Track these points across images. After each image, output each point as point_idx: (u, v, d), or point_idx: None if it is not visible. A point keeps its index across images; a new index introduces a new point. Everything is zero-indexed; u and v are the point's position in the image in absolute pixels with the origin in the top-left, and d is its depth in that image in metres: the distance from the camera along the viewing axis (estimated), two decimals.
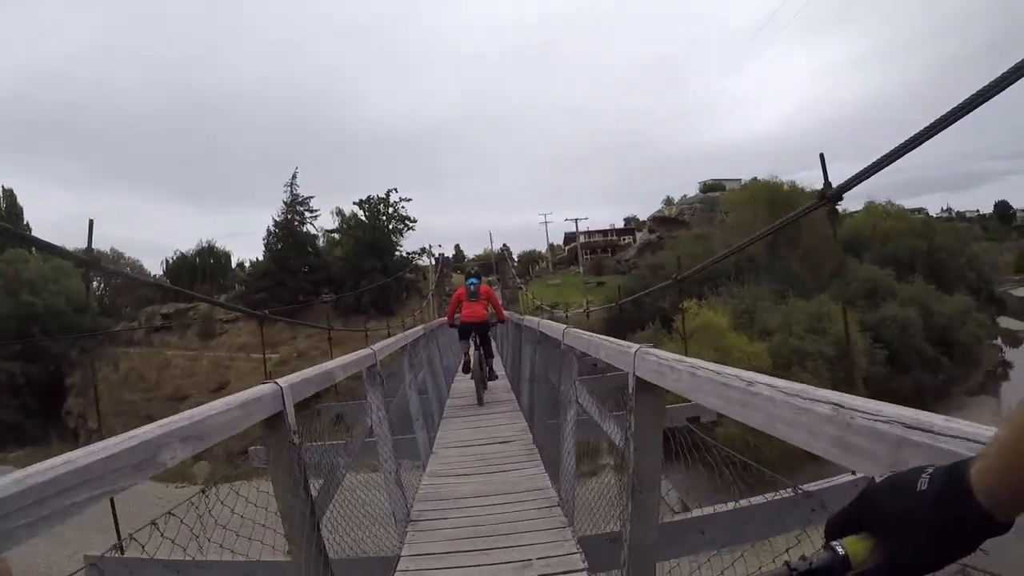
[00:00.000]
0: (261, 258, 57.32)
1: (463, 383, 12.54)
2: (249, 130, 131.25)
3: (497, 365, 12.88)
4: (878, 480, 0.84)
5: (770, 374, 1.55)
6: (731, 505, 3.37)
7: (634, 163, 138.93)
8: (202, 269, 65.95)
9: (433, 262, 59.97)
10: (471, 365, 11.15)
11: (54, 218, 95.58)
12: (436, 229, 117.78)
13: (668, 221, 64.31)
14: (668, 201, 71.27)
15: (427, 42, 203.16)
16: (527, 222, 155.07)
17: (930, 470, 0.76)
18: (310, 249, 56.71)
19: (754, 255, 40.25)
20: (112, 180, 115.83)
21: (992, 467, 0.70)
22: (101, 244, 68.64)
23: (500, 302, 13.01)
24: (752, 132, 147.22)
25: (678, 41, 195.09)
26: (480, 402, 10.91)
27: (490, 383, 11.52)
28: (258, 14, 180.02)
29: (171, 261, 68.41)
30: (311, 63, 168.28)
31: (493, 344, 12.38)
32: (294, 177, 56.86)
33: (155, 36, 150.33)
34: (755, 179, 50.05)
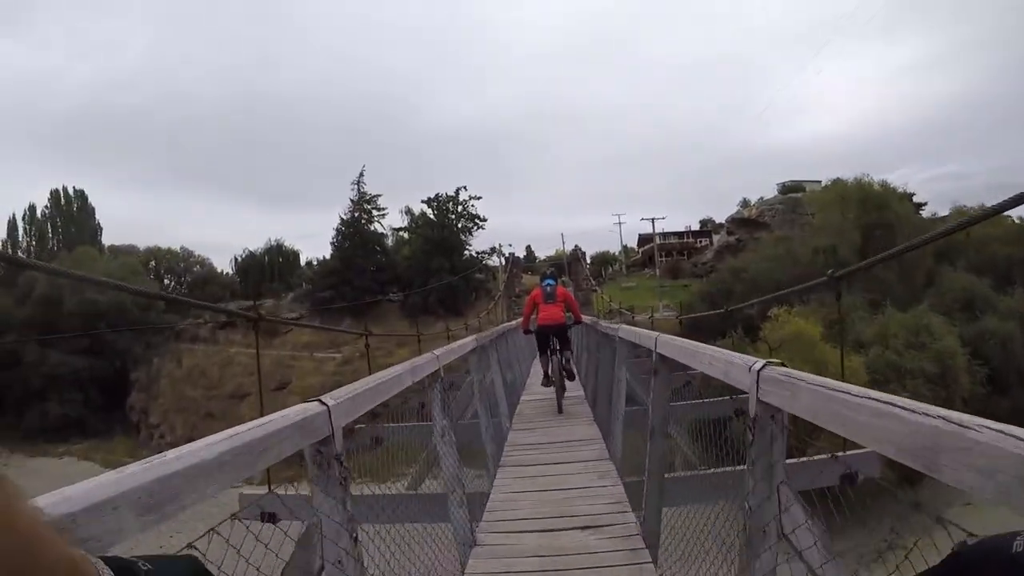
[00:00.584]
0: (328, 257, 57.32)
1: (536, 396, 12.31)
2: (317, 134, 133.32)
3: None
4: (969, 543, 0.84)
5: None
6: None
7: (707, 164, 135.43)
8: (271, 267, 67.24)
9: (503, 262, 59.22)
10: (550, 376, 11.02)
11: (127, 217, 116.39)
12: (505, 230, 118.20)
13: (747, 223, 62.65)
14: (745, 203, 69.22)
15: (492, 41, 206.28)
16: (598, 224, 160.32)
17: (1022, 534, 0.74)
18: (377, 247, 57.04)
19: (844, 259, 37.56)
20: (183, 183, 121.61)
21: None
22: (172, 243, 74.89)
23: (577, 303, 12.57)
24: (828, 133, 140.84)
25: (751, 38, 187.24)
26: (560, 409, 10.81)
27: (568, 384, 11.31)
28: (322, 19, 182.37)
29: (240, 259, 69.81)
30: (376, 66, 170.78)
31: (571, 340, 11.90)
32: (361, 175, 57.43)
33: (221, 42, 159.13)
34: (839, 179, 48.36)
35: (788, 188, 65.52)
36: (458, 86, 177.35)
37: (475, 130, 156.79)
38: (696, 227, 76.72)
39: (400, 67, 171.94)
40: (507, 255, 58.62)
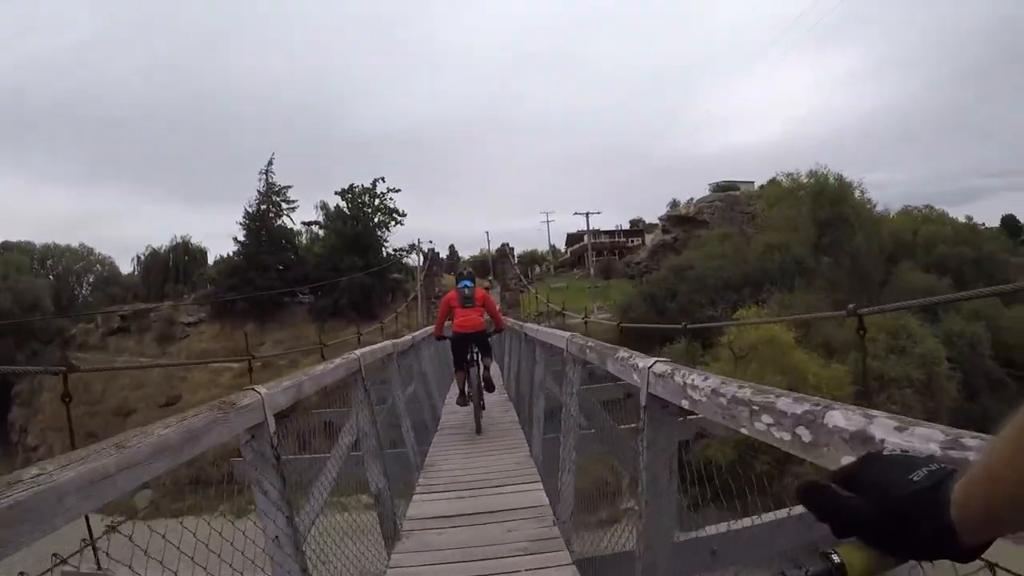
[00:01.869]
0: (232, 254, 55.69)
1: (454, 414, 11.95)
2: (246, 129, 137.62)
3: (495, 373, 12.23)
4: (885, 452, 0.93)
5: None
6: (748, 521, 3.31)
7: (637, 170, 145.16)
8: (175, 267, 66.03)
9: (421, 260, 56.88)
10: (467, 392, 10.62)
11: (46, 214, 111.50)
12: (429, 232, 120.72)
13: (684, 220, 63.35)
14: (675, 204, 70.48)
15: (431, 42, 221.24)
16: (525, 226, 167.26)
17: (934, 466, 0.82)
18: (286, 243, 55.84)
19: (800, 256, 39.38)
20: (106, 178, 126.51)
21: (970, 483, 0.75)
22: (91, 242, 76.54)
23: (498, 307, 12.51)
24: (756, 141, 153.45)
25: (682, 49, 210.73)
26: (479, 430, 10.45)
27: (488, 395, 11.16)
28: (256, 13, 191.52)
29: (143, 258, 68.57)
30: (311, 61, 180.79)
31: (491, 348, 11.54)
32: (270, 163, 55.70)
33: (152, 29, 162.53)
34: (791, 174, 48.89)
35: (722, 188, 66.88)
36: (396, 86, 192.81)
37: (406, 132, 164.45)
38: (626, 227, 78.71)
39: (330, 66, 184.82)
40: (426, 251, 55.76)
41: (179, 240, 67.59)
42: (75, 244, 73.57)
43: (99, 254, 74.56)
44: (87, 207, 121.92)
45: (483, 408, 10.71)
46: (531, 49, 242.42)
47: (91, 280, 73.78)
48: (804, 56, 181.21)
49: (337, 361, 4.79)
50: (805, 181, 46.33)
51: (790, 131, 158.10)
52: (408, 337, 10.96)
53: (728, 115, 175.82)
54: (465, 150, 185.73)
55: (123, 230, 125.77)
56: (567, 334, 5.77)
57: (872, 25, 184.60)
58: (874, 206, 47.54)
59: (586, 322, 13.34)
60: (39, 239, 73.60)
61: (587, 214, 58.37)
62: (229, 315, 50.73)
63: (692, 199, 66.26)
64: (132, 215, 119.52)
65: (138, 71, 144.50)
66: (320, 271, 50.82)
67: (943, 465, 0.82)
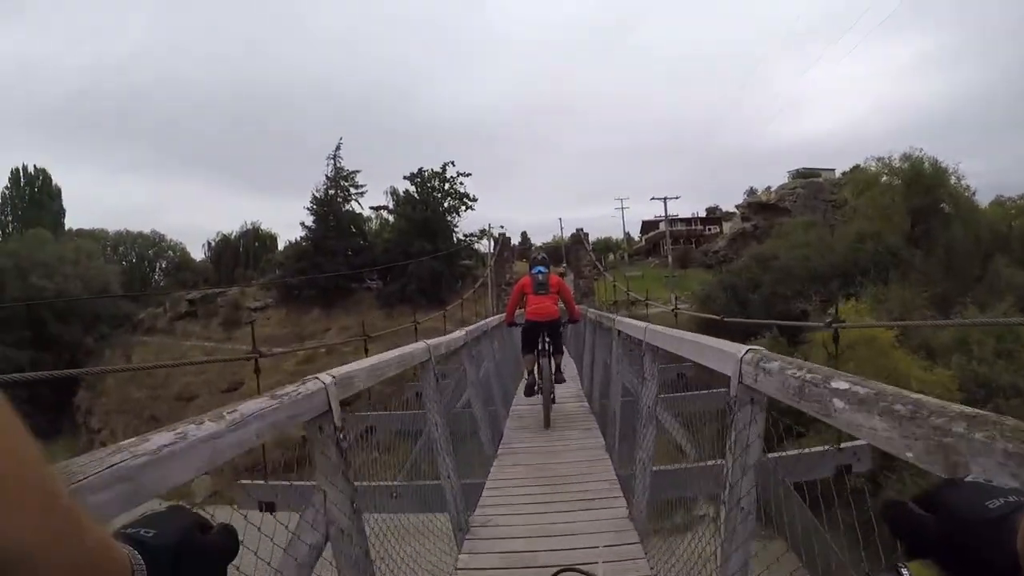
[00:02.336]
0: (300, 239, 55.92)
1: (522, 406, 11.56)
2: (310, 122, 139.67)
3: (566, 365, 11.93)
4: (968, 479, 0.91)
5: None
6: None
7: (706, 157, 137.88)
8: (246, 253, 67.75)
9: (492, 245, 55.49)
10: (537, 383, 10.22)
11: (124, 204, 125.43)
12: (501, 221, 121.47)
13: (765, 208, 62.00)
14: (751, 191, 69.34)
15: (489, 31, 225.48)
16: (599, 214, 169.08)
17: (1012, 497, 0.81)
18: (354, 229, 55.94)
19: (895, 246, 37.06)
20: (180, 169, 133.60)
21: None
22: (164, 230, 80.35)
23: (573, 296, 11.94)
24: (828, 130, 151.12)
25: (757, 32, 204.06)
26: (547, 423, 10.02)
27: (558, 387, 10.73)
28: (320, 5, 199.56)
29: (213, 244, 70.42)
30: (373, 55, 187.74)
31: (562, 340, 11.12)
32: (338, 148, 55.93)
33: (216, 28, 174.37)
34: (881, 159, 45.74)
35: (801, 175, 65.56)
36: (456, 76, 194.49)
37: (472, 121, 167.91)
38: (703, 215, 77.34)
39: (397, 56, 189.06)
40: (497, 235, 55.95)
41: (249, 226, 69.21)
42: (147, 231, 75.52)
43: (171, 240, 76.82)
44: (161, 197, 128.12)
45: (554, 401, 10.34)
46: (591, 37, 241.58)
47: (163, 266, 76.68)
48: (879, 41, 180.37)
49: (408, 349, 4.75)
50: (898, 166, 43.85)
51: (864, 119, 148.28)
52: (479, 324, 10.75)
53: (802, 101, 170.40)
54: (532, 138, 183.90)
55: (196, 219, 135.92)
56: (643, 324, 5.67)
57: (949, 8, 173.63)
58: (973, 193, 44.53)
59: (676, 313, 12.84)
60: (116, 227, 77.06)
61: (665, 199, 55.69)
62: (296, 301, 51.28)
63: (771, 187, 65.24)
64: (205, 204, 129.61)
65: (208, 65, 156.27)
66: (388, 256, 50.51)
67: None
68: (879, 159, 45.04)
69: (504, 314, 11.54)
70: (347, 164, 55.02)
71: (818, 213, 54.06)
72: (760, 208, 62.61)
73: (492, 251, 50.86)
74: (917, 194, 40.91)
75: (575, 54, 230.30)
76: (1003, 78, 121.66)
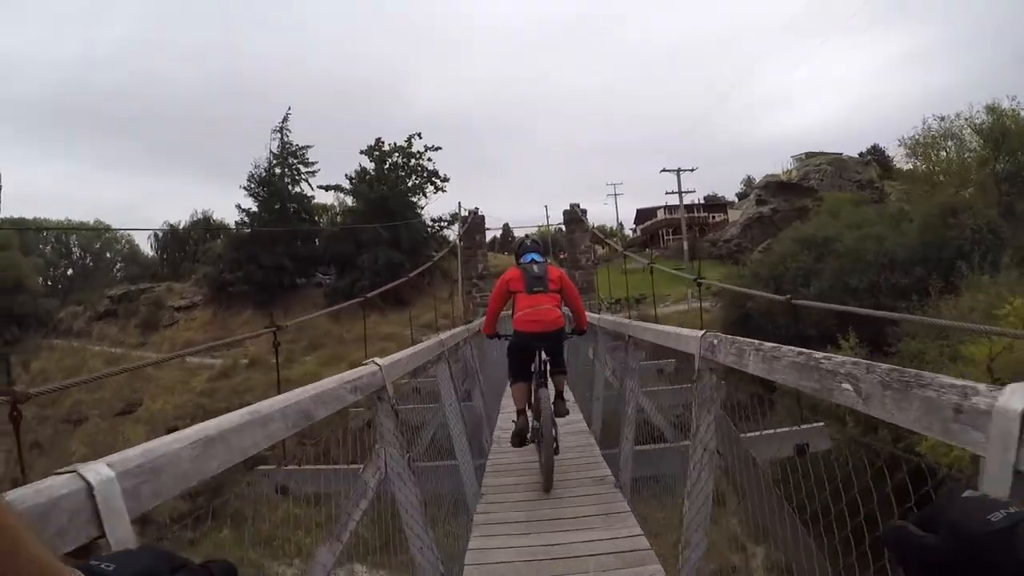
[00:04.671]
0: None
1: (509, 453, 8.44)
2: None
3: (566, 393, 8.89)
4: (965, 494, 0.91)
5: None
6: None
7: (694, 154, 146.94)
8: (195, 244, 61.41)
9: (457, 229, 41.76)
10: (530, 428, 7.45)
11: (101, 199, 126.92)
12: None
13: (786, 188, 55.44)
14: (749, 182, 66.81)
15: (467, 27, 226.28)
16: (586, 207, 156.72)
17: (1012, 509, 0.82)
18: (304, 214, 48.73)
19: (995, 222, 29.81)
20: (160, 162, 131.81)
21: None
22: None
23: (579, 294, 8.46)
24: (813, 125, 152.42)
25: (735, 27, 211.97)
26: (549, 485, 7.12)
27: (559, 421, 7.75)
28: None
29: (160, 235, 65.41)
30: (350, 50, 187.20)
31: (564, 357, 8.12)
32: (285, 120, 49.35)
33: (191, 24, 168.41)
34: (937, 120, 40.12)
35: (811, 157, 59.44)
36: (438, 71, 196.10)
37: (449, 116, 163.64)
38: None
39: (378, 51, 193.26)
40: (467, 213, 40.61)
41: (200, 215, 62.55)
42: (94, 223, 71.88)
43: (115, 230, 73.66)
44: (139, 192, 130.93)
45: (557, 452, 7.52)
46: (575, 31, 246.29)
47: (108, 258, 73.43)
48: (864, 38, 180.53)
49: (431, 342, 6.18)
50: (974, 121, 38.00)
51: (847, 116, 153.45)
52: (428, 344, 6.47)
53: (788, 97, 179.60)
54: (516, 134, 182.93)
55: (177, 214, 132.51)
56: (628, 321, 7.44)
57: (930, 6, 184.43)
58: None
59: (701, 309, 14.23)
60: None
61: (678, 171, 47.44)
62: (228, 298, 44.79)
63: (787, 168, 59.21)
64: (184, 201, 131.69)
65: (183, 61, 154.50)
66: (336, 246, 44.51)
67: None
68: (940, 118, 39.70)
69: (483, 320, 9.02)
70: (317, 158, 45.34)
71: (846, 193, 48.25)
72: (780, 188, 55.98)
73: (459, 231, 38.27)
74: (1009, 153, 35.60)
75: (558, 49, 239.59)
76: (975, 79, 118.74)
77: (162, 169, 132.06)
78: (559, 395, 7.76)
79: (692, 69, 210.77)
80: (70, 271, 72.09)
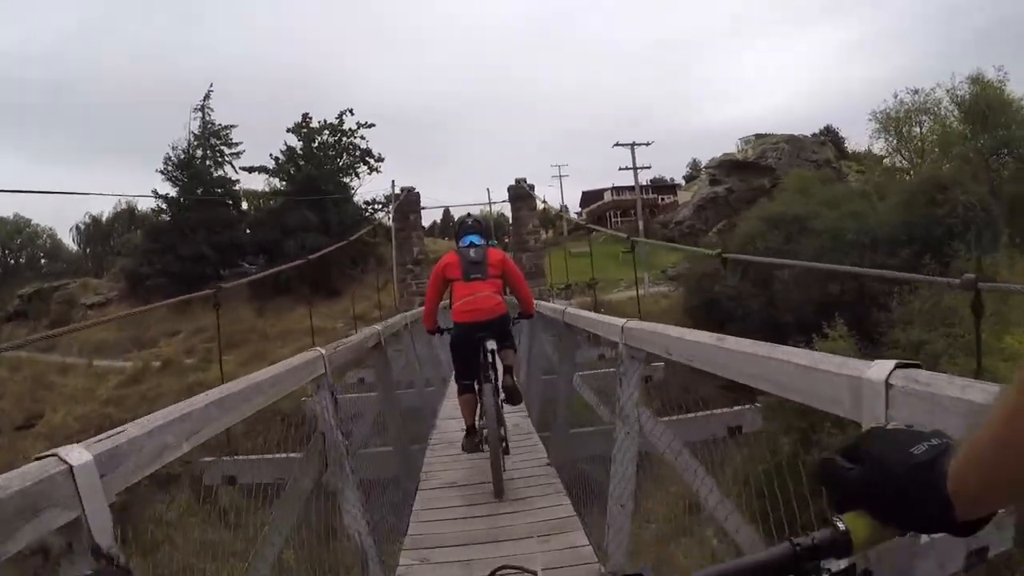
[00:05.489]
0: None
1: (452, 460, 8.00)
2: (238, 106, 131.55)
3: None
4: (890, 426, 0.96)
5: None
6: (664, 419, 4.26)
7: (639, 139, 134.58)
8: (119, 236, 60.07)
9: (387, 210, 40.63)
10: (480, 435, 6.87)
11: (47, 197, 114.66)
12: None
13: (742, 167, 53.24)
14: (695, 165, 67.38)
15: (422, 18, 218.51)
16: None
17: (935, 440, 0.85)
18: (228, 200, 45.42)
19: (985, 200, 27.62)
20: (102, 156, 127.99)
21: (965, 457, 0.79)
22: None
23: (524, 279, 7.97)
24: (756, 115, 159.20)
25: (677, 23, 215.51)
26: (500, 491, 6.53)
27: (508, 409, 7.26)
28: None
29: (82, 227, 64.60)
30: (297, 35, 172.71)
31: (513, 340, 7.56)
32: (207, 98, 46.18)
33: (138, 12, 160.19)
34: (910, 93, 40.11)
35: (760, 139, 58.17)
36: (387, 62, 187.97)
37: (392, 107, 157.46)
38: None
39: (331, 41, 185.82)
40: (400, 191, 37.90)
41: (124, 206, 59.73)
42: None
43: (37, 226, 70.62)
44: (67, 186, 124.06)
45: (507, 452, 7.10)
46: (525, 25, 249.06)
47: (29, 253, 69.37)
48: (805, 29, 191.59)
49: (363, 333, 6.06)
50: (956, 92, 37.05)
51: (787, 105, 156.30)
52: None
53: (726, 88, 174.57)
54: (459, 128, 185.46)
55: (100, 205, 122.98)
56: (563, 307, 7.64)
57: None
58: None
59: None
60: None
61: (632, 144, 44.43)
62: (145, 293, 40.76)
63: (740, 149, 56.69)
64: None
65: (134, 52, 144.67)
66: (266, 231, 41.04)
67: (947, 439, 0.87)
68: (914, 91, 39.51)
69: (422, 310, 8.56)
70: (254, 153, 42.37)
71: (806, 171, 45.91)
72: (735, 168, 53.79)
73: (391, 209, 35.23)
74: (990, 127, 34.36)
75: (511, 43, 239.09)
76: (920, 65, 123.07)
77: (88, 162, 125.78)
78: (508, 371, 7.02)
79: (634, 61, 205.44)
80: None
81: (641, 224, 46.13)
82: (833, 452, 0.93)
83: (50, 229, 72.33)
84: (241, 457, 5.77)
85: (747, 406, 6.28)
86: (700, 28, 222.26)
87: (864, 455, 0.88)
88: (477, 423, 6.97)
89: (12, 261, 70.78)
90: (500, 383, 6.79)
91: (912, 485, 0.80)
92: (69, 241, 70.78)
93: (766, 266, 26.99)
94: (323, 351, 4.03)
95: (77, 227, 65.21)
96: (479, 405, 6.91)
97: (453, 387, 8.90)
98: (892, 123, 40.77)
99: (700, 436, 4.73)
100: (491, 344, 6.81)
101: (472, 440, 6.99)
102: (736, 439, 5.82)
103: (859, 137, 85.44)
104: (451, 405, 9.75)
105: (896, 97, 41.29)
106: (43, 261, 70.86)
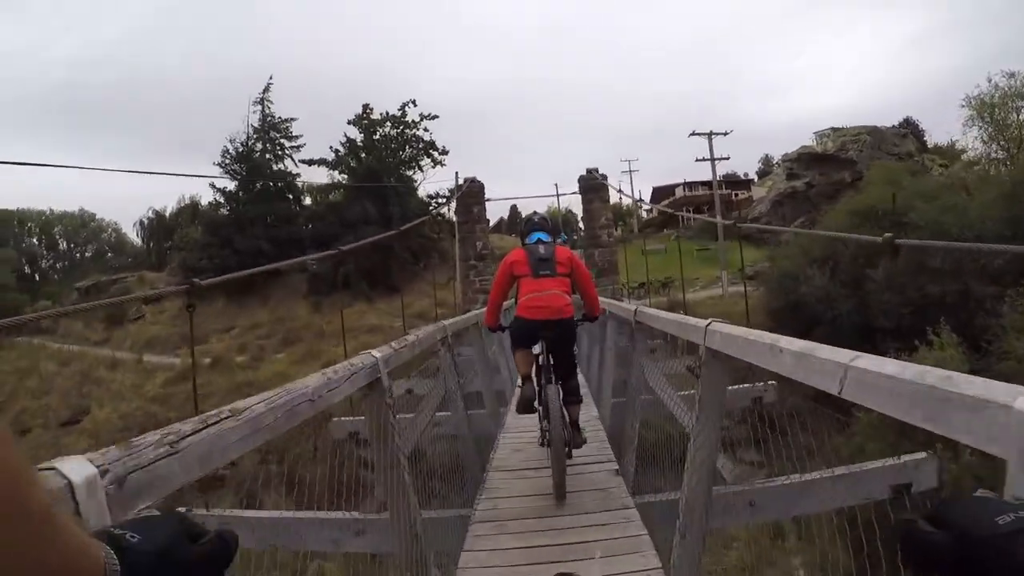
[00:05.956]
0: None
1: (511, 455, 8.12)
2: (299, 100, 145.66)
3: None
4: (977, 493, 0.91)
5: None
6: (780, 480, 4.15)
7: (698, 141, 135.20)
8: (182, 230, 57.90)
9: (456, 192, 37.30)
10: (536, 393, 6.66)
11: (113, 194, 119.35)
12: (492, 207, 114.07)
13: (821, 160, 51.34)
14: (767, 160, 65.25)
15: (492, 12, 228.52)
16: None
17: (1021, 512, 0.81)
18: (287, 194, 44.32)
19: None
20: (167, 155, 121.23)
21: None
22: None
23: (591, 278, 7.59)
24: (815, 110, 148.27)
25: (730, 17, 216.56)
26: (561, 495, 6.26)
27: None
28: None
29: (145, 222, 63.42)
30: (364, 37, 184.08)
31: (575, 355, 7.31)
32: (267, 90, 45.29)
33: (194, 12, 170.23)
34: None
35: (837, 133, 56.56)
36: (440, 62, 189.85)
37: (457, 101, 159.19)
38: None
39: (391, 38, 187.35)
40: (463, 182, 34.86)
41: (187, 200, 60.05)
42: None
43: (102, 220, 72.30)
44: (138, 184, 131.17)
45: (570, 455, 6.68)
46: (581, 23, 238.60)
47: (95, 248, 70.76)
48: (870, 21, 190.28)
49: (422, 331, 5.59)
50: None
51: (854, 100, 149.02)
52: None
53: (793, 81, 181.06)
54: (523, 124, 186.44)
55: (163, 200, 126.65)
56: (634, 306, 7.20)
57: None
58: None
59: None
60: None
61: (710, 134, 42.01)
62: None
63: (817, 138, 53.92)
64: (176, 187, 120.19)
65: (192, 53, 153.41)
66: (325, 225, 39.56)
67: None
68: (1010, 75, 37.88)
69: (485, 310, 7.98)
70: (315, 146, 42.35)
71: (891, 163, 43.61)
72: (815, 161, 51.82)
73: (455, 199, 33.82)
74: None
75: (568, 37, 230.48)
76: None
77: (155, 159, 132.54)
78: (574, 425, 6.68)
79: (701, 59, 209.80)
80: (59, 263, 71.83)
81: (720, 217, 42.40)
82: (916, 515, 0.86)
83: (115, 223, 74.07)
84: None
85: (920, 455, 4.51)
86: (766, 23, 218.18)
87: (948, 522, 0.82)
88: (536, 381, 6.63)
89: (78, 255, 72.79)
90: (561, 402, 6.32)
91: (993, 555, 0.74)
92: (133, 236, 71.10)
93: (851, 262, 25.16)
94: (377, 355, 3.57)
95: (141, 222, 64.91)
96: (546, 399, 6.44)
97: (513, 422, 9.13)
98: (987, 109, 38.18)
99: (847, 499, 4.06)
100: (550, 350, 6.48)
101: (529, 400, 6.64)
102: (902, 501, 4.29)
103: (935, 130, 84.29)
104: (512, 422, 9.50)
105: (990, 81, 39.12)
106: (108, 255, 72.00)
